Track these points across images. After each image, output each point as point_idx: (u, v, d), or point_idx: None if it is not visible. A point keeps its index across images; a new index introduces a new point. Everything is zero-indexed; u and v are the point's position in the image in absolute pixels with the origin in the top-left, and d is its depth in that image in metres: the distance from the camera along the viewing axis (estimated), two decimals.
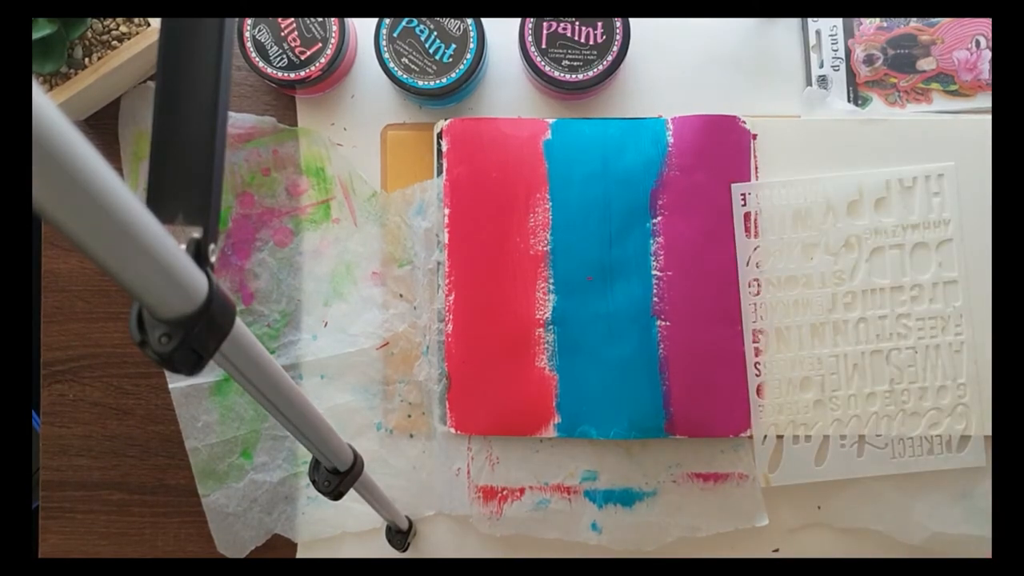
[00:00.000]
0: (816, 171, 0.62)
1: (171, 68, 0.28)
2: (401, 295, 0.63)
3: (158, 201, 0.27)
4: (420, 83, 0.61)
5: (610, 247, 0.61)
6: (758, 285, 0.61)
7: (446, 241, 0.62)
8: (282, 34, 0.61)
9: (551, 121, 0.62)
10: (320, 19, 0.61)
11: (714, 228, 0.61)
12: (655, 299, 0.60)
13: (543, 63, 0.61)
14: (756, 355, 0.61)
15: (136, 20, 0.60)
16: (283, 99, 0.66)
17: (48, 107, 0.18)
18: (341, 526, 0.63)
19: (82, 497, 0.65)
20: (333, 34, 0.61)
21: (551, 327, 0.61)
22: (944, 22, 0.63)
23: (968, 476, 0.60)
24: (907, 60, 0.63)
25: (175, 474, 0.65)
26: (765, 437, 0.60)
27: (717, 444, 0.61)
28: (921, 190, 0.61)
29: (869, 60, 0.63)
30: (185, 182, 0.27)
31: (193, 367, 0.26)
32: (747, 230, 0.61)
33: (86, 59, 0.59)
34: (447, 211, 0.62)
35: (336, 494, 0.43)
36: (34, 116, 0.17)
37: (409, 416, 0.63)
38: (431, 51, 0.61)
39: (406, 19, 0.61)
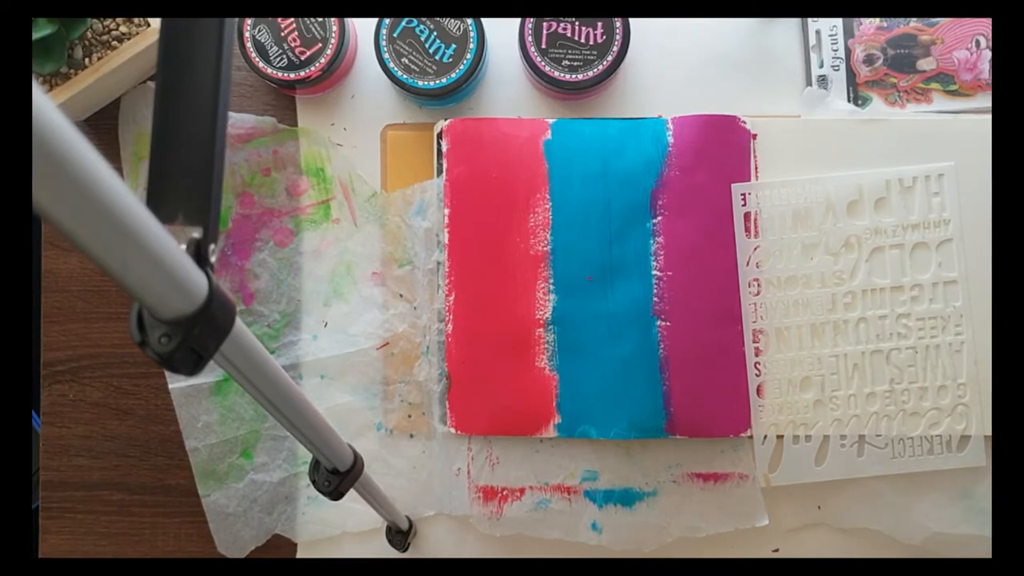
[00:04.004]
0: (816, 171, 0.62)
1: (171, 68, 0.28)
2: (401, 295, 0.63)
3: (158, 201, 0.27)
4: (420, 83, 0.61)
5: (610, 247, 0.61)
6: (758, 285, 0.61)
7: (446, 241, 0.62)
8: (282, 34, 0.61)
9: (551, 121, 0.62)
10: (320, 19, 0.61)
11: (714, 228, 0.61)
12: (655, 299, 0.60)
13: (543, 63, 0.61)
14: (756, 355, 0.61)
15: (136, 20, 0.60)
16: (283, 99, 0.66)
17: (48, 107, 0.18)
18: (341, 526, 0.63)
19: (82, 497, 0.65)
20: (333, 34, 0.61)
21: (551, 327, 0.61)
22: (944, 22, 0.63)
23: (968, 476, 0.60)
24: (907, 60, 0.63)
25: (175, 474, 0.65)
26: (765, 437, 0.60)
27: (717, 444, 0.61)
28: (921, 190, 0.61)
29: (869, 60, 0.63)
30: (185, 182, 0.27)
31: (193, 367, 0.26)
32: (747, 230, 0.61)
33: (86, 59, 0.59)
34: (447, 211, 0.62)
35: (336, 494, 0.43)
36: (34, 116, 0.17)
37: (409, 416, 0.63)
38: (431, 51, 0.61)
39: (406, 19, 0.61)
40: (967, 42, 0.63)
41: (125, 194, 0.21)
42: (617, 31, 0.61)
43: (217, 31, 0.28)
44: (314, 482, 0.43)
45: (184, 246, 0.26)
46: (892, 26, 0.63)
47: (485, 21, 0.62)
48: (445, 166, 0.62)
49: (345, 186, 0.64)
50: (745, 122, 0.62)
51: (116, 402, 0.65)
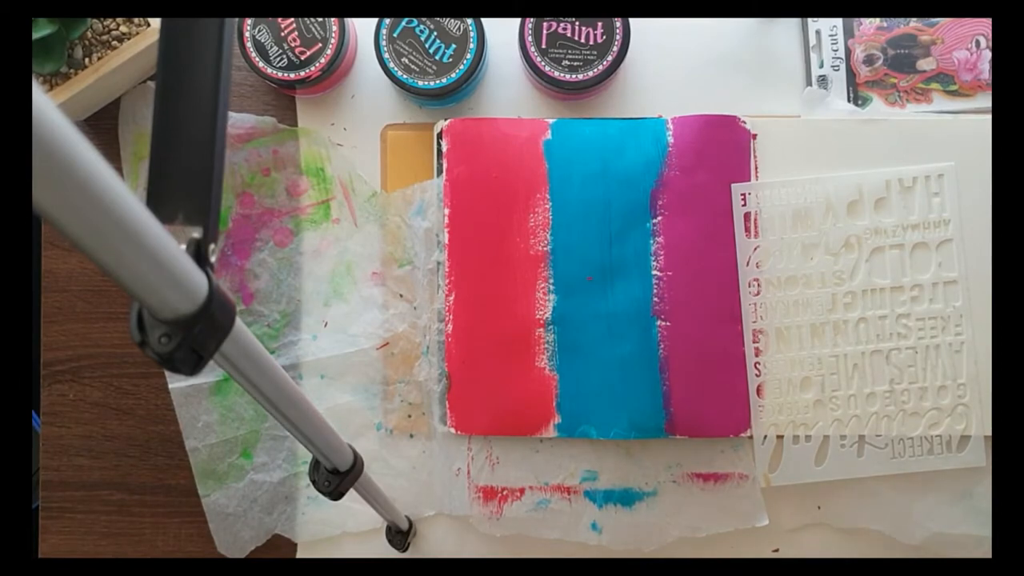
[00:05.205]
0: (816, 171, 0.62)
1: (171, 68, 0.28)
2: (401, 295, 0.63)
3: (158, 201, 0.27)
4: (420, 83, 0.61)
5: (610, 247, 0.61)
6: (758, 285, 0.61)
7: (446, 241, 0.62)
8: (282, 34, 0.61)
9: (551, 121, 0.62)
10: (320, 19, 0.61)
11: (714, 228, 0.61)
12: (655, 299, 0.60)
13: (543, 63, 0.61)
14: (756, 355, 0.61)
15: (136, 20, 0.60)
16: (283, 99, 0.66)
17: (48, 107, 0.18)
18: (341, 526, 0.63)
19: (82, 497, 0.65)
20: (333, 34, 0.61)
21: (551, 327, 0.61)
22: (944, 22, 0.63)
23: (968, 476, 0.60)
24: (907, 60, 0.63)
25: (175, 474, 0.65)
26: (765, 437, 0.60)
27: (717, 444, 0.61)
28: (921, 190, 0.61)
29: (869, 60, 0.63)
30: (185, 182, 0.27)
31: (193, 367, 0.26)
32: (747, 230, 0.61)
33: (86, 59, 0.59)
34: (447, 211, 0.62)
35: (336, 494, 0.43)
36: (34, 116, 0.17)
37: (409, 416, 0.63)
38: (431, 51, 0.61)
39: (406, 19, 0.61)
40: (967, 42, 0.63)
41: (125, 194, 0.21)
42: (617, 31, 0.61)
43: (217, 31, 0.28)
44: (314, 482, 0.43)
45: (184, 246, 0.26)
46: (892, 26, 0.63)
47: (485, 21, 0.62)
48: (445, 166, 0.62)
49: (345, 186, 0.64)
50: (745, 122, 0.62)
51: (116, 402, 0.65)
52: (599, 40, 0.61)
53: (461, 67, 0.61)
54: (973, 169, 0.61)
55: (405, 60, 0.61)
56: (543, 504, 0.61)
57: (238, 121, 0.64)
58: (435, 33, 0.61)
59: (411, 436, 0.63)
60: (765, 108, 0.63)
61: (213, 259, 0.27)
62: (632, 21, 0.61)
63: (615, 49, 0.61)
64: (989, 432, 0.60)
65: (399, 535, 0.60)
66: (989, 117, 0.62)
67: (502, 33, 0.63)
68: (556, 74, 0.61)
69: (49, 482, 0.65)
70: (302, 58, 0.61)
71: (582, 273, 0.61)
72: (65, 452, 0.65)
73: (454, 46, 0.61)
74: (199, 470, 0.63)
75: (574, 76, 0.61)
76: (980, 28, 0.63)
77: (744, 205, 0.61)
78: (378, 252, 0.64)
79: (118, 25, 0.59)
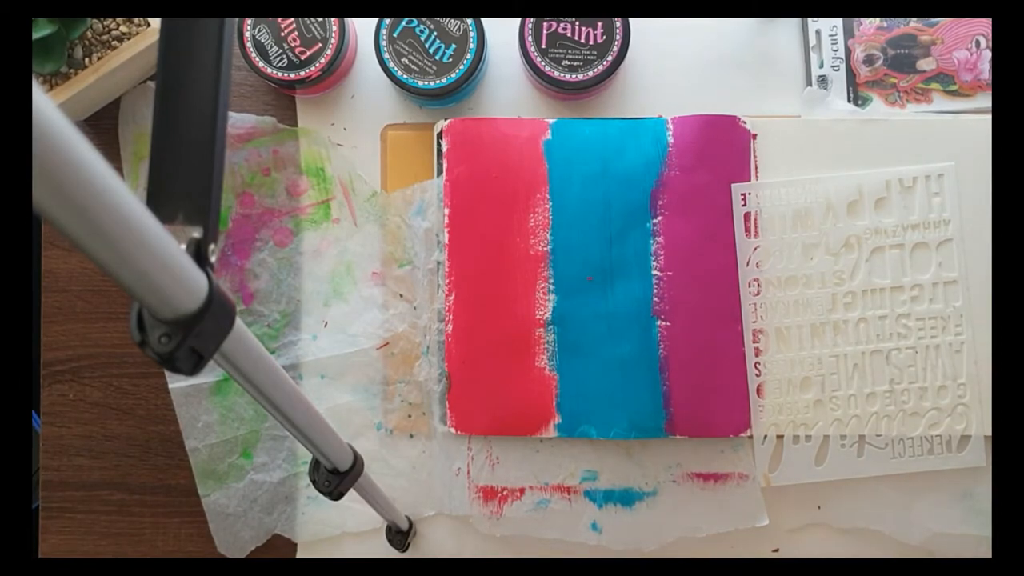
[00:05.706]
0: (816, 171, 0.62)
1: (171, 68, 0.28)
2: (401, 295, 0.63)
3: (158, 201, 0.27)
4: (420, 83, 0.61)
5: (610, 247, 0.61)
6: (758, 285, 0.61)
7: (446, 241, 0.62)
8: (282, 34, 0.61)
9: (551, 121, 0.62)
10: (320, 19, 0.61)
11: (714, 228, 0.61)
12: (655, 299, 0.60)
13: (543, 63, 0.61)
14: (756, 355, 0.61)
15: (136, 20, 0.60)
16: (283, 99, 0.66)
17: (48, 107, 0.18)
18: (341, 526, 0.63)
19: (82, 497, 0.65)
20: (333, 34, 0.61)
21: (551, 327, 0.61)
22: (944, 22, 0.63)
23: (968, 476, 0.60)
24: (907, 60, 0.63)
25: (175, 474, 0.65)
26: (765, 437, 0.60)
27: (717, 444, 0.61)
28: (921, 190, 0.61)
29: (869, 60, 0.63)
30: (185, 182, 0.27)
31: (193, 367, 0.26)
32: (747, 230, 0.61)
33: (86, 59, 0.59)
34: (447, 211, 0.62)
35: (336, 494, 0.43)
36: (34, 116, 0.17)
37: (409, 416, 0.63)
38: (431, 51, 0.61)
39: (406, 19, 0.61)
40: (967, 42, 0.63)
41: (125, 194, 0.21)
42: (617, 31, 0.61)
43: (217, 31, 0.28)
44: (314, 482, 0.43)
45: (184, 246, 0.26)
46: (892, 26, 0.63)
47: (485, 21, 0.62)
48: (445, 166, 0.62)
49: (345, 186, 0.64)
50: (745, 122, 0.62)
51: (116, 402, 0.65)
52: (599, 40, 0.61)
53: (461, 67, 0.61)
54: (973, 169, 0.61)
55: (405, 60, 0.61)
56: (543, 504, 0.61)
57: (238, 121, 0.64)
58: (435, 33, 0.61)
59: (411, 436, 0.63)
60: (765, 108, 0.63)
61: (213, 259, 0.27)
62: (632, 21, 0.61)
63: (615, 49, 0.61)
64: (989, 432, 0.60)
65: (399, 535, 0.60)
66: (989, 117, 0.62)
67: (502, 33, 0.63)
68: (556, 74, 0.61)
69: (49, 482, 0.65)
70: (302, 58, 0.61)
71: (582, 273, 0.61)
72: (65, 452, 0.65)
73: (454, 46, 0.61)
74: (199, 470, 0.63)
75: (574, 76, 0.61)
76: (980, 28, 0.63)
77: (744, 205, 0.61)
78: (378, 252, 0.64)
79: (118, 25, 0.59)
